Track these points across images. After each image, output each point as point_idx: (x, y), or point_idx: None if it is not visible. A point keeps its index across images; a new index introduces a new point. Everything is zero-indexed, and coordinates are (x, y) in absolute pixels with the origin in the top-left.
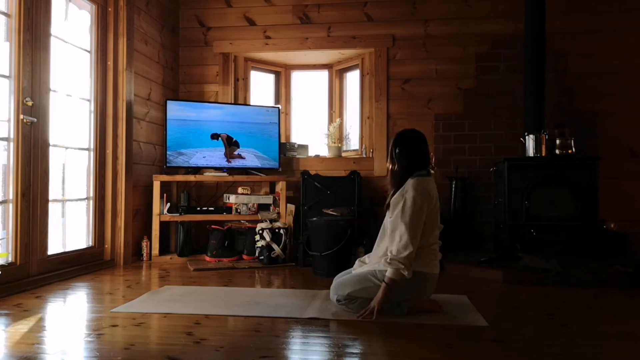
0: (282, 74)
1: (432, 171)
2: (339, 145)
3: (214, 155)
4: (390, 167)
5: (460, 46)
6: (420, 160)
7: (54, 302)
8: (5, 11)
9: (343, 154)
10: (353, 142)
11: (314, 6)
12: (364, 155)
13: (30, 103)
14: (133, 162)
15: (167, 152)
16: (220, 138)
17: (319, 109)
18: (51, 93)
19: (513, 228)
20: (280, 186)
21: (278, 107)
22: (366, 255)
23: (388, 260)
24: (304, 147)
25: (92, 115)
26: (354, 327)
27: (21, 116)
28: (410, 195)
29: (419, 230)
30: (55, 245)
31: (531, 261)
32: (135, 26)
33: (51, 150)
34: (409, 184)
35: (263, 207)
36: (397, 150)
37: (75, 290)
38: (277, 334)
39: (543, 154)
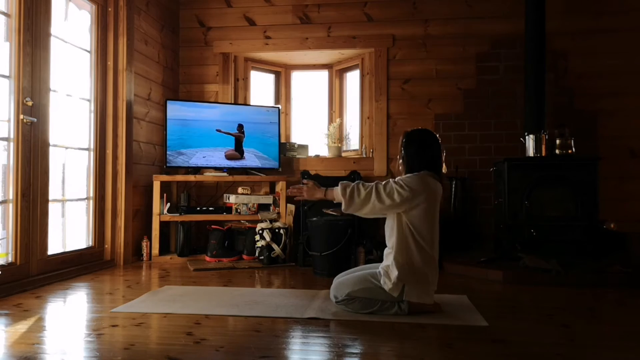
0: (282, 74)
1: (442, 174)
2: (339, 145)
3: (214, 155)
4: (398, 166)
5: (460, 46)
6: (426, 163)
7: (54, 302)
8: (5, 11)
9: (343, 154)
10: (353, 142)
11: (314, 6)
12: (364, 155)
13: (30, 103)
14: (133, 162)
15: (167, 152)
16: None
17: (319, 109)
18: (51, 93)
19: (513, 228)
20: (280, 186)
21: (278, 107)
22: None
23: (350, 186)
24: (304, 147)
25: (92, 115)
26: (354, 327)
27: (21, 116)
28: (410, 176)
29: (395, 204)
30: (55, 245)
31: (531, 261)
32: (135, 26)
33: (51, 150)
34: None
35: (263, 207)
36: (402, 151)
37: (75, 290)
38: (277, 334)
39: (543, 154)
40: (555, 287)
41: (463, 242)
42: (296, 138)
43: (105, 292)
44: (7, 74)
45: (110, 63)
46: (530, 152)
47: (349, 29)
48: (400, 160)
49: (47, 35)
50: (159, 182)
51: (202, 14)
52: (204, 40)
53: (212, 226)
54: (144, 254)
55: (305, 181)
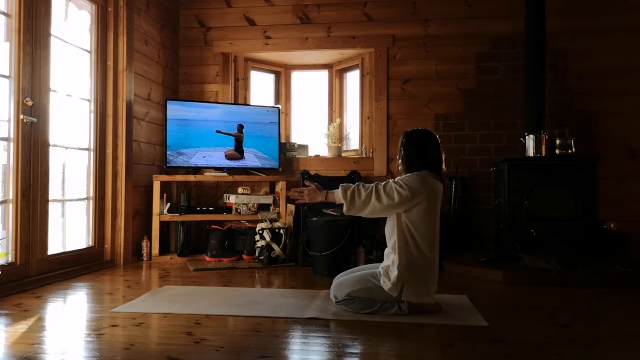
0: (282, 74)
1: (442, 173)
2: (339, 145)
3: (214, 155)
4: (398, 166)
5: (460, 46)
6: (425, 163)
7: (54, 302)
8: (5, 11)
9: (343, 154)
10: (353, 142)
11: (314, 6)
12: (364, 155)
13: (30, 103)
14: (133, 162)
15: (167, 152)
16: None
17: (319, 109)
18: (51, 93)
19: (513, 228)
20: (280, 186)
21: (278, 107)
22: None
23: (350, 188)
24: (304, 147)
25: (92, 115)
26: (354, 327)
27: (21, 116)
28: (409, 176)
29: (395, 204)
30: (55, 245)
31: (531, 261)
32: (135, 26)
33: (51, 150)
34: None
35: (263, 207)
36: (401, 151)
37: (75, 290)
38: (277, 334)
39: (543, 154)
40: (555, 287)
41: (463, 242)
42: (296, 138)
43: (105, 292)
44: (7, 74)
45: (110, 63)
46: (530, 152)
47: (349, 29)
48: (400, 161)
49: (47, 35)
50: (159, 182)
51: (202, 14)
52: (204, 40)
53: (212, 226)
54: (144, 254)
55: (307, 183)
